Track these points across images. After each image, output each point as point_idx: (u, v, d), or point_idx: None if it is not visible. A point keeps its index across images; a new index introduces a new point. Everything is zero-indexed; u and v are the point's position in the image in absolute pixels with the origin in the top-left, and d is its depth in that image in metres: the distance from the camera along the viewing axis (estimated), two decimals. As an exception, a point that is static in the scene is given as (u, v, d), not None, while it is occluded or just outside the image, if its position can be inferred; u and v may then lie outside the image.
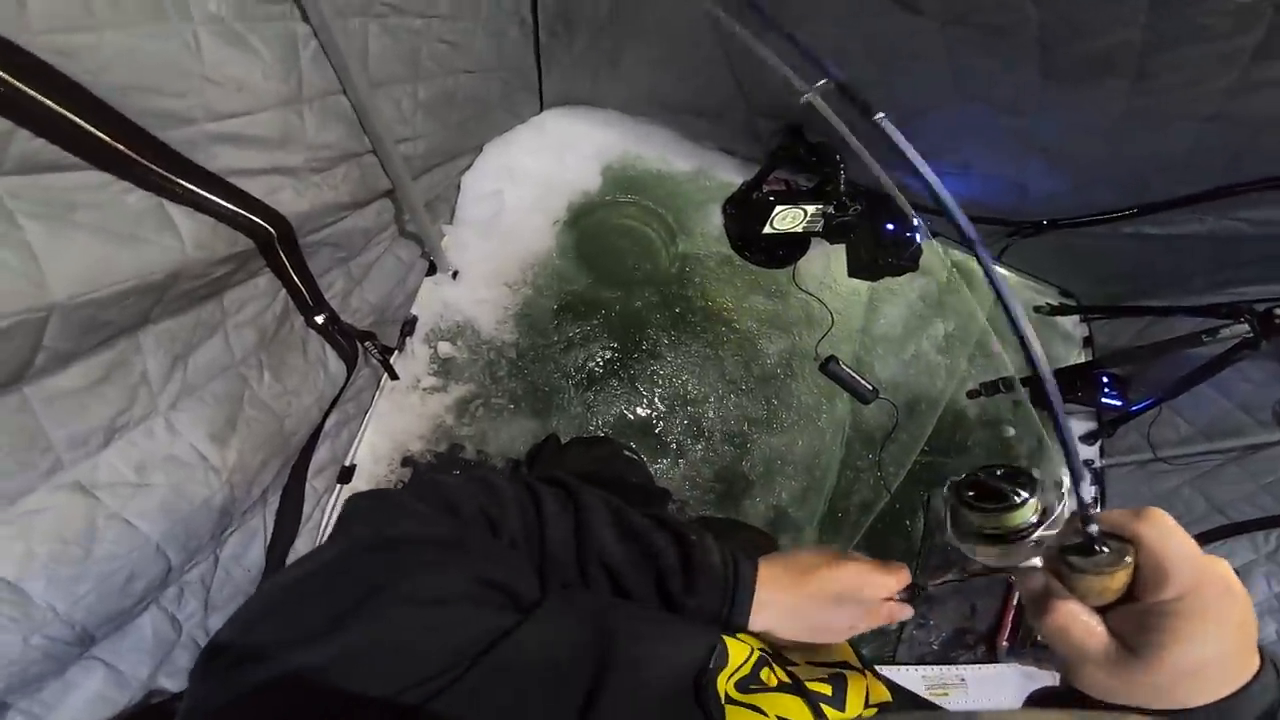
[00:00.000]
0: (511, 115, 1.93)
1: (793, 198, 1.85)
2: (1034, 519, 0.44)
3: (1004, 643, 2.34)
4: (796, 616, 0.55)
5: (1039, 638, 0.44)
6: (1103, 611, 0.42)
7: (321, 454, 1.57)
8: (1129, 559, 0.40)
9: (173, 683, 1.06)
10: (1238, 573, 1.34)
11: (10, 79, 0.54)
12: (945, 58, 1.22)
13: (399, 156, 1.25)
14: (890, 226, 1.90)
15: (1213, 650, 0.38)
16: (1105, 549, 0.40)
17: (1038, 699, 0.51)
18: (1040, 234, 1.96)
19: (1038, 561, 0.45)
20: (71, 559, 0.79)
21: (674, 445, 2.13)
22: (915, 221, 1.81)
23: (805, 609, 0.55)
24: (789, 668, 0.51)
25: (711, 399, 2.19)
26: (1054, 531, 0.44)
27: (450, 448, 1.91)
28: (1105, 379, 2.27)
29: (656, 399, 2.14)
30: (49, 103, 0.58)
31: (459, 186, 1.89)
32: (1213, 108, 1.13)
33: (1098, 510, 0.42)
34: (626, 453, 1.61)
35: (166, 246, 0.82)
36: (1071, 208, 1.80)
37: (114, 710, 0.94)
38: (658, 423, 2.13)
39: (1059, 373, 2.42)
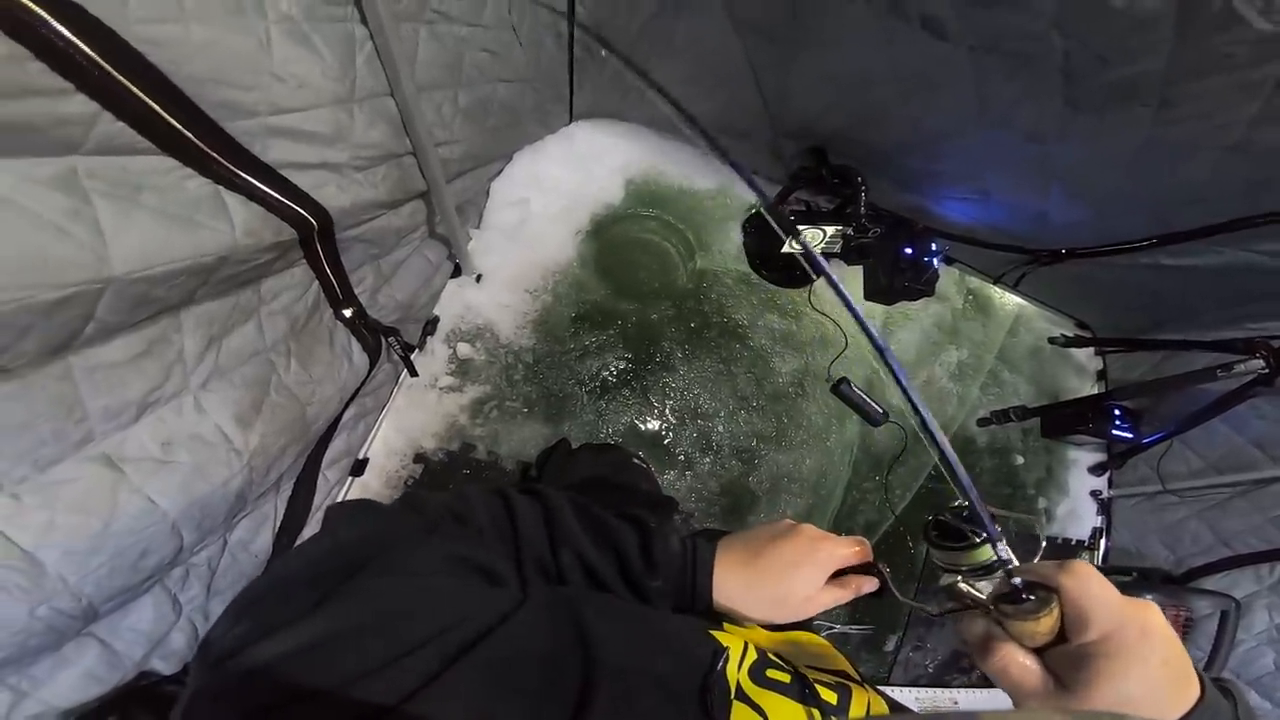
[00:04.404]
0: (542, 125, 1.98)
1: (812, 218, 1.88)
2: (994, 558, 0.48)
3: None
4: (755, 589, 0.57)
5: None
6: (1040, 652, 0.46)
7: (337, 445, 1.59)
8: (1053, 606, 0.44)
9: (165, 665, 1.06)
10: (1240, 604, 1.33)
11: (106, 65, 0.57)
12: (970, 84, 1.25)
13: (437, 159, 1.29)
14: (909, 251, 1.92)
15: (1136, 687, 0.41)
16: (1032, 597, 0.45)
17: None
18: (1059, 263, 1.97)
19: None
20: (90, 531, 0.79)
21: (682, 457, 2.15)
22: (933, 247, 1.83)
23: (762, 581, 0.57)
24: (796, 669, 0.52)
25: (722, 414, 2.21)
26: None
27: (462, 447, 1.93)
28: (1117, 411, 2.28)
29: (668, 411, 2.16)
30: (136, 90, 0.62)
31: (488, 192, 1.93)
32: (1235, 138, 1.15)
33: (1033, 561, 0.47)
34: (635, 460, 1.62)
35: (219, 231, 0.84)
36: (1091, 237, 1.81)
37: (102, 690, 0.93)
38: (667, 434, 2.15)
39: (1071, 403, 2.43)
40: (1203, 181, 1.31)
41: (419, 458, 1.88)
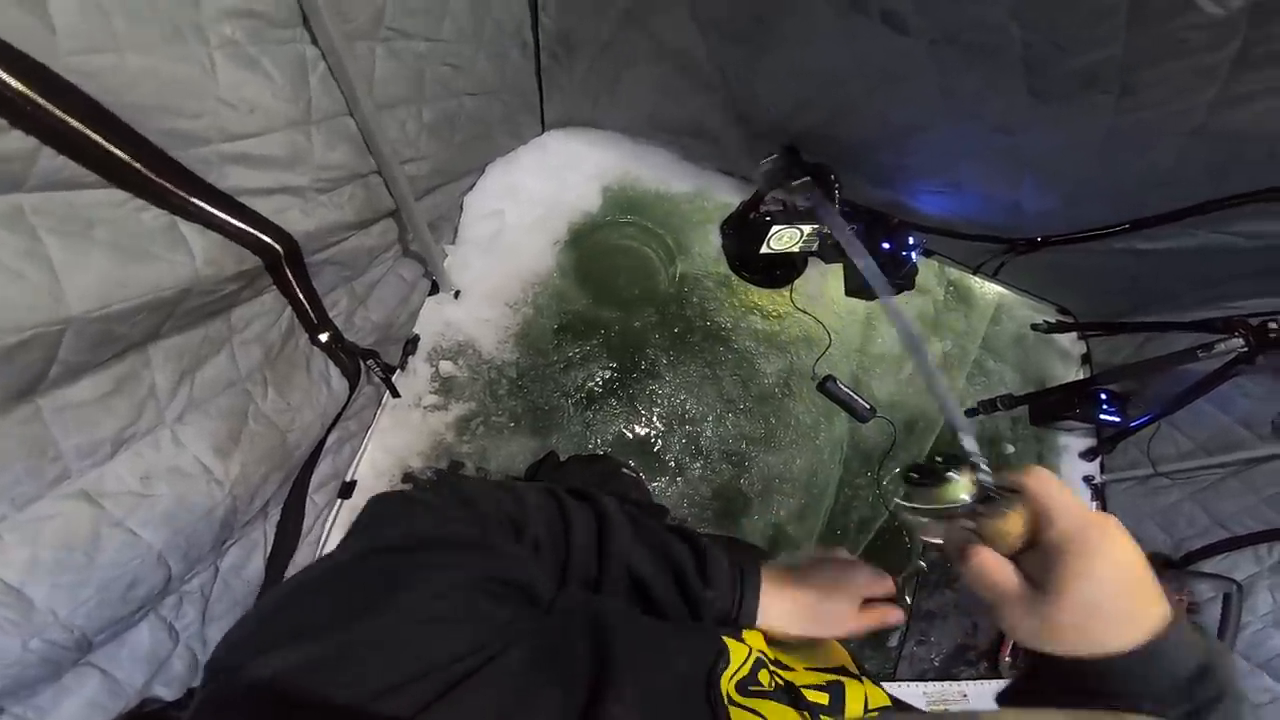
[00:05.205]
0: (513, 136, 1.97)
1: (789, 217, 1.88)
2: (966, 496, 0.50)
3: (1006, 658, 2.30)
4: (798, 606, 0.60)
5: (961, 584, 0.50)
6: (1015, 560, 0.48)
7: (323, 469, 1.58)
8: (1018, 504, 0.47)
9: (168, 691, 1.06)
10: (1242, 586, 1.32)
11: (37, 98, 0.56)
12: (934, 78, 1.25)
13: (403, 177, 1.28)
14: (886, 246, 1.92)
15: (1101, 589, 0.43)
16: (1000, 498, 0.48)
17: (1009, 693, 0.55)
18: (1035, 251, 1.98)
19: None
20: (75, 565, 0.80)
21: (672, 463, 2.14)
22: (910, 240, 1.83)
23: (804, 599, 0.60)
24: (786, 673, 0.53)
25: (710, 418, 2.20)
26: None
27: (450, 464, 1.91)
28: (1103, 395, 2.28)
29: (655, 418, 2.16)
30: (73, 122, 0.61)
31: (461, 206, 1.92)
32: (1197, 122, 1.15)
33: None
34: (624, 470, 1.62)
35: (178, 263, 0.84)
36: (1065, 224, 1.82)
37: (106, 717, 0.94)
38: (656, 441, 2.14)
39: (1057, 390, 2.43)
40: (1169, 166, 1.32)
41: (407, 477, 1.87)
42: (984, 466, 0.49)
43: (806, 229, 1.91)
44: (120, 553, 0.86)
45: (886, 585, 0.63)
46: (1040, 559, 0.46)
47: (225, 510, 1.08)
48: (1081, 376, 2.57)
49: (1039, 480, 0.47)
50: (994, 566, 0.47)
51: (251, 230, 0.96)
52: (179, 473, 0.97)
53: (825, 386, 2.21)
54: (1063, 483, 0.47)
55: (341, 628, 0.34)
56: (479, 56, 1.38)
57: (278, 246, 1.06)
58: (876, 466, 2.34)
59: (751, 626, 0.57)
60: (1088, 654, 0.43)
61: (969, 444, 0.52)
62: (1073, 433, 2.58)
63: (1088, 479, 2.55)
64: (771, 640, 0.58)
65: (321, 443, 1.53)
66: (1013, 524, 0.47)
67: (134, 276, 0.77)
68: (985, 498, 0.49)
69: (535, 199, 2.05)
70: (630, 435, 2.11)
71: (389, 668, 0.32)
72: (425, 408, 1.94)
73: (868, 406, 2.21)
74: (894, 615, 0.62)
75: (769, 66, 1.46)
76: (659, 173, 2.25)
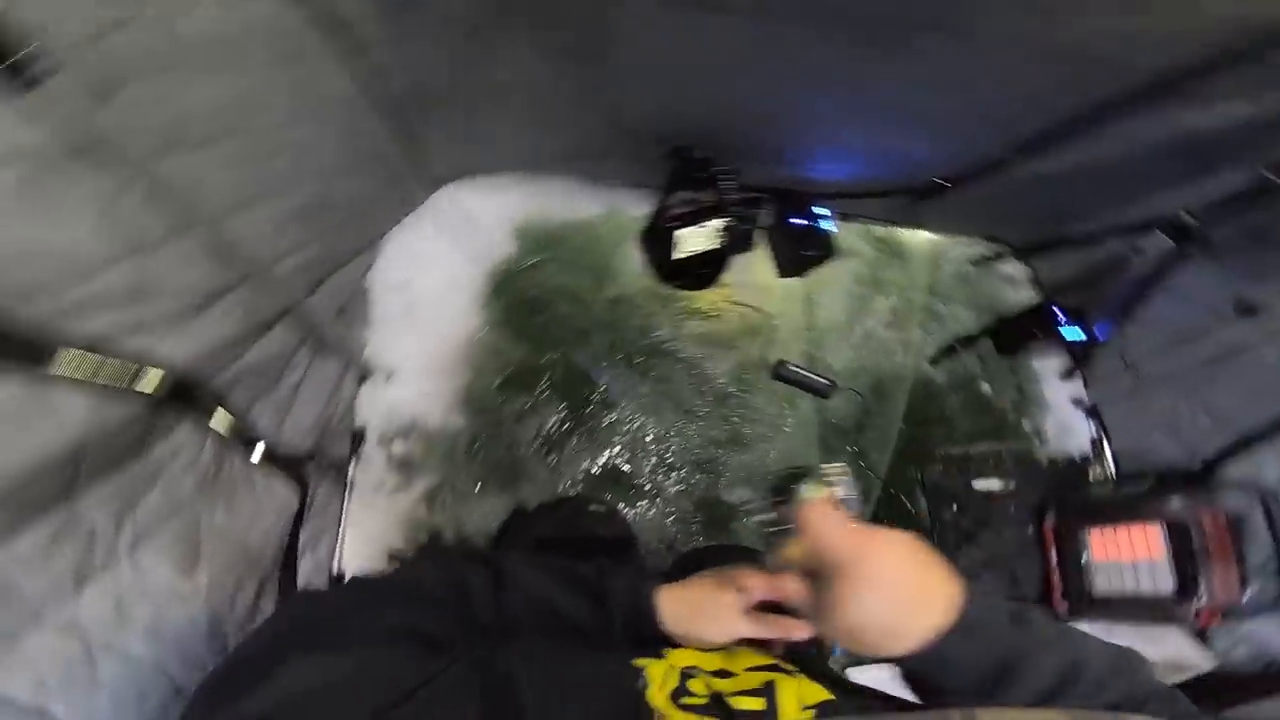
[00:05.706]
0: (403, 203, 1.93)
1: (693, 218, 1.87)
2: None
3: (1061, 602, 2.08)
4: (683, 607, 0.64)
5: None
6: (811, 579, 0.55)
7: (306, 566, 1.57)
8: (793, 537, 0.54)
9: None
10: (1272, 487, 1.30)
11: None
12: (768, 51, 1.23)
13: (280, 277, 1.26)
14: (796, 221, 1.91)
15: (864, 610, 0.49)
16: (787, 529, 0.52)
17: None
18: (942, 194, 1.95)
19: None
20: (82, 681, 0.82)
21: (647, 486, 2.11)
22: (815, 210, 1.82)
23: (690, 600, 0.64)
24: (724, 678, 0.55)
25: (673, 433, 2.18)
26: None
27: (431, 537, 1.90)
28: (1058, 313, 2.24)
29: (618, 446, 2.13)
30: None
31: (366, 286, 1.88)
32: (1035, 46, 1.12)
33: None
34: (592, 507, 1.61)
35: (56, 426, 0.81)
36: (960, 164, 1.79)
37: None
38: (625, 468, 2.12)
39: (1012, 318, 2.38)
40: (1031, 92, 1.30)
41: (393, 557, 1.85)
42: (764, 499, 0.55)
43: (715, 224, 1.90)
44: (119, 669, 0.87)
45: (781, 587, 0.61)
46: (820, 583, 0.53)
47: (207, 619, 1.09)
48: (1035, 297, 2.53)
49: (809, 515, 0.53)
50: (788, 585, 0.56)
51: (120, 377, 0.94)
52: (149, 594, 0.98)
53: (779, 372, 2.18)
54: (836, 515, 0.52)
55: (254, 691, 0.39)
56: (328, 133, 1.32)
57: (164, 382, 1.04)
58: (853, 438, 2.30)
59: (656, 627, 0.62)
60: (869, 657, 0.50)
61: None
62: (1045, 357, 2.52)
63: (1077, 401, 2.47)
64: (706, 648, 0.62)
65: (294, 544, 1.52)
66: (794, 551, 0.55)
67: (10, 448, 0.75)
68: (778, 528, 0.54)
69: (444, 260, 2.02)
70: (597, 470, 2.09)
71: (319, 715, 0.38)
72: (389, 490, 1.93)
73: (827, 381, 2.18)
74: (797, 630, 0.61)
75: (616, 78, 1.45)
76: (565, 200, 2.20)
